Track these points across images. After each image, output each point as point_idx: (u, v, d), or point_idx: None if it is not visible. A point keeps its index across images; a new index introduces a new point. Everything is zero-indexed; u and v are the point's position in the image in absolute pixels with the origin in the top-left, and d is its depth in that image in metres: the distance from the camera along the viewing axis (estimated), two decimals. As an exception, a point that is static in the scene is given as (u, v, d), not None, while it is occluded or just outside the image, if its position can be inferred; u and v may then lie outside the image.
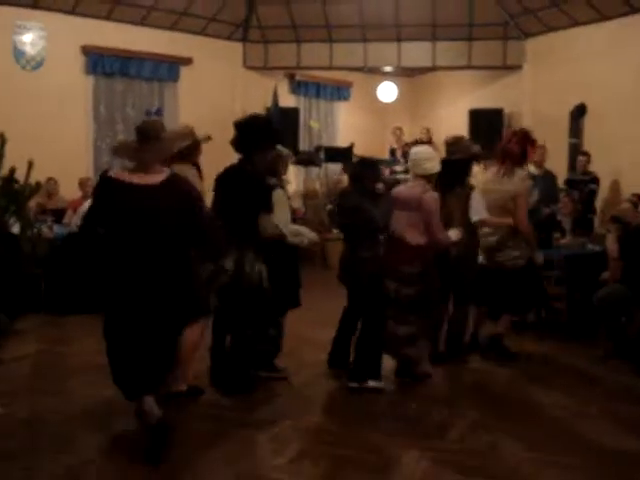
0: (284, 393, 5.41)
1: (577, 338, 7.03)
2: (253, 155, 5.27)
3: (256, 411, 4.97)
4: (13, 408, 4.82)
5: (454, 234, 5.63)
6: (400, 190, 5.77)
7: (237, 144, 5.35)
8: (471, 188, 6.03)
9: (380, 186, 5.95)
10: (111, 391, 4.89)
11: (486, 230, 6.18)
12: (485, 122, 11.47)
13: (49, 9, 10.07)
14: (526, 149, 6.20)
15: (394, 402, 5.26)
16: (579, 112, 10.45)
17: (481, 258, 6.26)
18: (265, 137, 5.33)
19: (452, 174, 5.90)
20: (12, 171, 7.10)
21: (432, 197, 5.48)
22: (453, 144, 6.21)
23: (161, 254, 4.17)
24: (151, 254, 4.15)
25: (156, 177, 4.24)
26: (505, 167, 6.17)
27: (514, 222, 6.08)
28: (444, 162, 5.79)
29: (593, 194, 9.20)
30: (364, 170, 5.70)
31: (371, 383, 5.45)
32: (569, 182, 9.29)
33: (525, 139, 6.23)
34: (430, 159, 5.61)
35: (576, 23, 10.57)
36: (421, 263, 5.52)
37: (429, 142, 11.83)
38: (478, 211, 5.98)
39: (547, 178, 8.79)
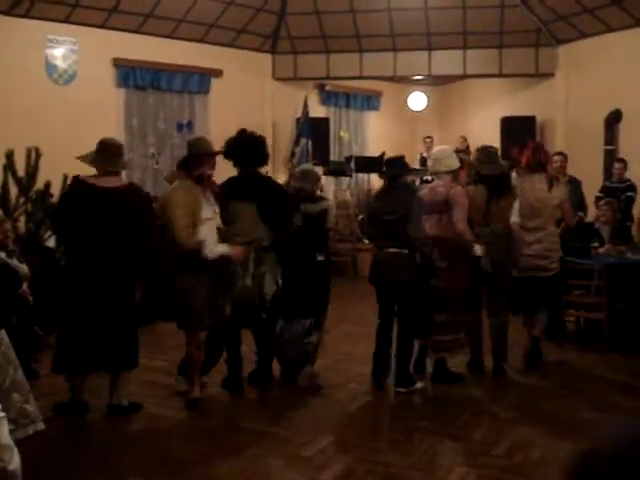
0: (326, 408, 5.34)
1: (618, 350, 6.88)
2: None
3: (299, 426, 4.91)
4: (53, 424, 4.79)
5: (479, 249, 5.70)
6: (425, 193, 5.78)
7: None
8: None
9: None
10: (154, 407, 4.89)
11: (530, 238, 6.15)
12: (518, 130, 11.34)
13: (81, 23, 10.12)
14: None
15: (439, 418, 5.16)
16: (614, 118, 10.31)
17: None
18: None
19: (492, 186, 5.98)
20: (47, 185, 7.13)
21: (459, 191, 5.68)
22: (480, 151, 6.31)
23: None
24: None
25: None
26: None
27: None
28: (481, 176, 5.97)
29: (631, 202, 9.04)
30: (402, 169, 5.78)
31: (418, 385, 5.66)
32: (606, 190, 9.14)
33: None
34: (450, 156, 5.87)
35: (609, 29, 10.44)
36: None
37: (466, 150, 11.77)
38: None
39: (572, 185, 8.67)
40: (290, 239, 5.62)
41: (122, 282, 4.97)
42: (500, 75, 11.87)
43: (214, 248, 5.03)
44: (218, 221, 5.20)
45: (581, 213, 8.38)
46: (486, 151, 6.29)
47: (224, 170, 5.73)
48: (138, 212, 5.02)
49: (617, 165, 9.40)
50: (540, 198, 6.23)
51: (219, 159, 5.51)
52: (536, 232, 6.21)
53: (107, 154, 5.11)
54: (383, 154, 11.80)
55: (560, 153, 8.77)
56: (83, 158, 5.11)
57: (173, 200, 5.06)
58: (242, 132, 5.69)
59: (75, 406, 5.10)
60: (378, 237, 5.76)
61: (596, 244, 7.69)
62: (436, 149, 6.17)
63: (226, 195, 5.44)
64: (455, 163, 5.82)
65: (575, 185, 8.68)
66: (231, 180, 5.65)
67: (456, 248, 5.68)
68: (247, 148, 5.59)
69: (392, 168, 5.82)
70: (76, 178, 5.06)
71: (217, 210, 5.22)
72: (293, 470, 4.21)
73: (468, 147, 12.09)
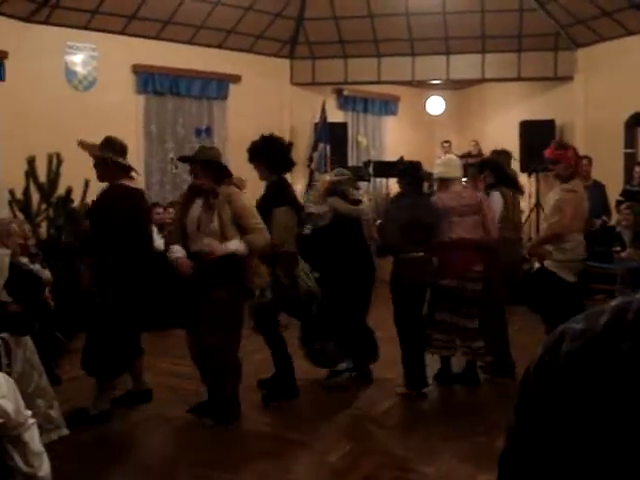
0: (351, 412, 5.33)
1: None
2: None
3: (323, 430, 4.91)
4: (76, 429, 4.80)
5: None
6: (449, 197, 5.76)
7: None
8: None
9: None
10: (176, 411, 4.89)
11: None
12: (536, 134, 11.30)
13: (100, 29, 10.18)
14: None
15: (462, 424, 5.12)
16: (634, 121, 10.25)
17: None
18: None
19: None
20: (69, 191, 7.17)
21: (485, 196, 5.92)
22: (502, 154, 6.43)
23: None
24: None
25: None
26: None
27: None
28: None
29: (652, 205, 8.98)
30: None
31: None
32: (626, 194, 9.09)
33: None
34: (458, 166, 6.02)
35: (628, 32, 10.37)
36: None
37: (479, 155, 11.76)
38: None
39: (595, 188, 8.65)
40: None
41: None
42: (519, 79, 11.83)
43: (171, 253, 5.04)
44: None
45: (605, 217, 8.37)
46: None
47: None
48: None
49: (638, 169, 9.34)
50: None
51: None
52: None
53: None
54: (401, 159, 11.83)
55: (585, 157, 8.73)
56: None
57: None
58: (267, 137, 5.63)
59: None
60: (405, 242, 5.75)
61: (618, 248, 7.66)
62: (448, 157, 6.24)
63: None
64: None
65: (598, 189, 8.66)
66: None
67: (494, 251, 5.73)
68: (274, 152, 5.54)
69: (404, 178, 5.90)
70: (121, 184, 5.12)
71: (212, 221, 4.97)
72: (316, 476, 4.20)
73: (480, 151, 12.09)
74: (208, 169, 5.00)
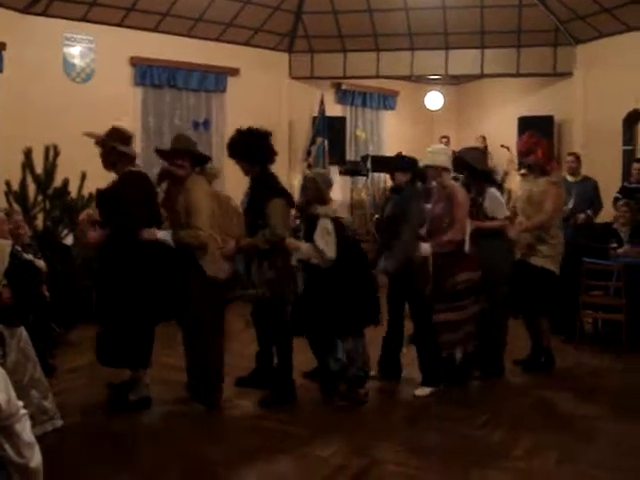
0: (340, 410, 5.31)
1: (638, 350, 6.83)
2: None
3: (313, 428, 4.90)
4: (70, 420, 4.80)
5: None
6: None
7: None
8: None
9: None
10: (169, 406, 4.89)
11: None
12: (535, 129, 11.20)
13: (98, 21, 10.15)
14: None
15: (455, 419, 5.12)
16: (633, 119, 10.24)
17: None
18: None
19: None
20: (65, 183, 7.16)
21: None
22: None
23: None
24: None
25: None
26: None
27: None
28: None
29: (650, 202, 8.98)
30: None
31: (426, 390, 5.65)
32: (624, 190, 9.07)
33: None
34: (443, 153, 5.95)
35: (628, 28, 10.35)
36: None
37: (485, 150, 11.75)
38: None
39: (585, 184, 8.68)
40: None
41: None
42: (518, 75, 11.80)
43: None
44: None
45: (589, 212, 8.45)
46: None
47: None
48: None
49: (636, 166, 9.31)
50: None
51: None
52: None
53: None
54: (399, 154, 11.80)
55: (572, 153, 9.00)
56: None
57: None
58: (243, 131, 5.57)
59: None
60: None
61: (614, 245, 7.66)
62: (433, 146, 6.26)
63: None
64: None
65: (587, 185, 8.68)
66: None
67: None
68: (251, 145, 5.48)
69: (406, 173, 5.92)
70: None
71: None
72: (310, 470, 4.20)
73: (486, 147, 12.07)
74: (181, 157, 5.21)
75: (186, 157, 5.22)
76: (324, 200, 5.41)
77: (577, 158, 8.82)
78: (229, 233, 5.27)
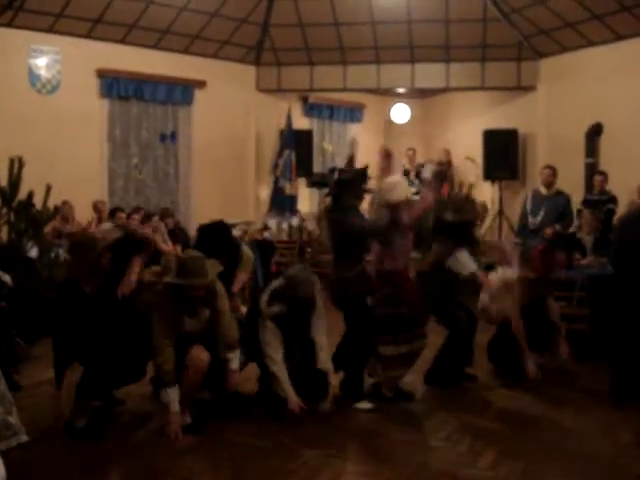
0: (309, 420, 5.30)
1: (601, 360, 6.91)
2: None
3: (283, 438, 4.89)
4: (35, 435, 4.74)
5: None
6: None
7: None
8: None
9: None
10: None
11: None
12: (500, 143, 11.46)
13: (65, 33, 10.12)
14: None
15: (422, 430, 5.16)
16: (595, 132, 10.42)
17: None
18: None
19: None
20: (30, 195, 7.08)
21: None
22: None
23: None
24: None
25: None
26: None
27: None
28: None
29: (612, 214, 9.10)
30: (342, 189, 5.65)
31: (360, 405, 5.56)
32: (586, 202, 9.22)
33: None
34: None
35: (591, 43, 10.56)
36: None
37: (448, 163, 11.87)
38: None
39: (557, 198, 8.77)
40: None
41: None
42: (482, 88, 11.95)
43: None
44: None
45: (557, 226, 8.52)
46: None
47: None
48: None
49: (598, 178, 9.49)
50: None
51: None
52: None
53: None
54: (367, 166, 11.83)
55: (549, 166, 9.01)
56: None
57: None
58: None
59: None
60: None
61: (578, 256, 7.75)
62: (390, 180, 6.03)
63: None
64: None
65: (558, 199, 8.77)
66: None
67: None
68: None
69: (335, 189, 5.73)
70: None
71: None
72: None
73: (450, 160, 12.20)
74: None
75: None
76: None
77: (554, 171, 8.85)
78: None
